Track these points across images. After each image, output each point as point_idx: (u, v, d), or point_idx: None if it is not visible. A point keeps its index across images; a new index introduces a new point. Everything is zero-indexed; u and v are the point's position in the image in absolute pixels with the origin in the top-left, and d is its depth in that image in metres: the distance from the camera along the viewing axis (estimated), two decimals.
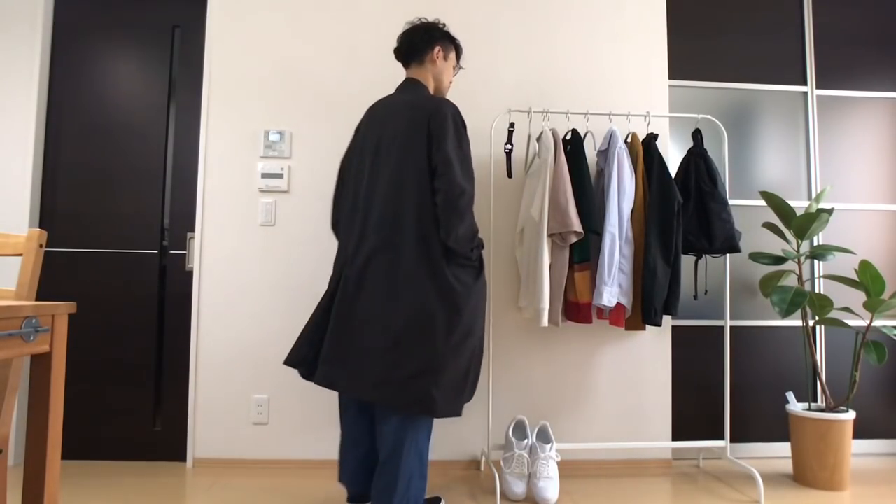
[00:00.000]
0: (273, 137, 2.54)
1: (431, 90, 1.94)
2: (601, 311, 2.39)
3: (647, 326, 2.44)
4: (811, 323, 2.47)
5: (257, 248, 2.52)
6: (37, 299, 2.36)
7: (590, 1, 2.69)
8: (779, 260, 2.54)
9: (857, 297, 2.72)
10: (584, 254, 2.30)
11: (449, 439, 2.51)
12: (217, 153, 2.54)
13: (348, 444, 1.86)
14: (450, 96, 2.55)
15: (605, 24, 2.69)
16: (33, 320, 1.09)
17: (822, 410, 2.36)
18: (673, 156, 2.74)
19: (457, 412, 1.70)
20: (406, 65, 1.96)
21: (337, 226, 1.96)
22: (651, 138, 2.37)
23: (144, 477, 2.31)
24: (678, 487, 2.31)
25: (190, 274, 2.55)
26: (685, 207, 2.34)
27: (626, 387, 2.58)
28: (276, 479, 2.33)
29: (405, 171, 1.71)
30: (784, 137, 2.86)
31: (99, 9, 2.62)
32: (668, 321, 2.60)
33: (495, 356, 2.55)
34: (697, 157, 2.37)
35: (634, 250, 2.29)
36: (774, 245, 2.76)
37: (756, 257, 2.57)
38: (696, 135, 2.42)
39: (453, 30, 2.06)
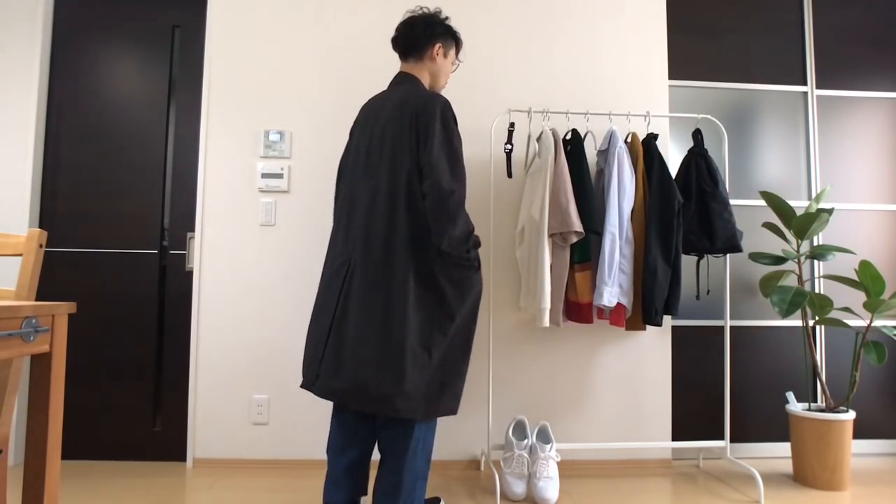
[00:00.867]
0: (273, 137, 2.54)
1: (427, 86, 1.86)
2: (602, 311, 2.39)
3: (648, 326, 2.45)
4: (811, 323, 2.47)
5: (257, 248, 2.51)
6: (37, 299, 2.36)
7: (590, 1, 2.70)
8: (779, 260, 2.54)
9: (857, 297, 2.72)
10: (584, 254, 2.30)
11: (449, 439, 2.51)
12: (217, 153, 2.53)
13: (339, 447, 1.75)
14: (449, 97, 2.55)
15: (606, 24, 2.69)
16: (33, 320, 1.09)
17: (822, 410, 2.36)
18: (673, 156, 2.74)
19: (457, 407, 1.72)
20: (403, 57, 1.88)
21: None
22: (651, 138, 2.37)
23: (144, 477, 2.31)
24: (678, 487, 2.31)
25: (190, 274, 2.55)
26: (686, 207, 2.34)
27: (626, 387, 2.58)
28: (276, 479, 2.33)
29: (396, 173, 1.65)
30: (784, 137, 2.86)
31: (99, 9, 2.62)
32: (668, 321, 2.60)
33: (495, 356, 2.55)
34: (698, 157, 2.37)
35: (635, 250, 2.29)
36: (774, 245, 2.76)
37: (756, 257, 2.57)
38: (697, 135, 2.42)
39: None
